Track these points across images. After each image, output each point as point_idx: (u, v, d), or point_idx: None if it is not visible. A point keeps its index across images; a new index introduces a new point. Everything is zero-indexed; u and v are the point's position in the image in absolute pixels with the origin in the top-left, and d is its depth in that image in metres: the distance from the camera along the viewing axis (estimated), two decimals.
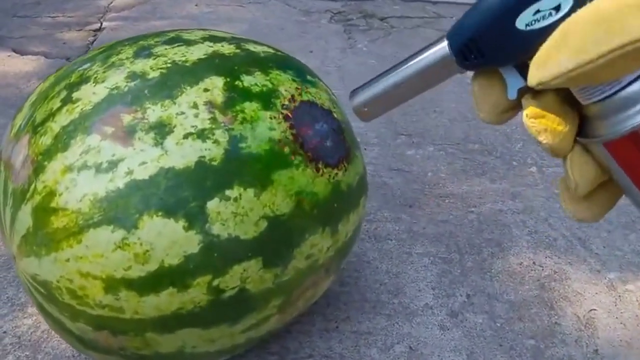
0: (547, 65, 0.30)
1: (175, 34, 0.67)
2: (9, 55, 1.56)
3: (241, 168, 0.56)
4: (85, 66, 0.63)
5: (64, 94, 0.60)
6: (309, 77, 0.68)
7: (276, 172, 0.58)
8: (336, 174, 0.63)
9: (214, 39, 0.67)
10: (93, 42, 1.66)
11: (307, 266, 0.62)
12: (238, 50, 0.65)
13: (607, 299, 0.85)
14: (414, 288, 0.86)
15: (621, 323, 0.81)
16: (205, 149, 0.56)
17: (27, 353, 0.75)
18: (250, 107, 0.59)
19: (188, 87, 0.58)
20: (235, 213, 0.55)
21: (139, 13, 1.87)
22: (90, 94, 0.59)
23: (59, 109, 0.59)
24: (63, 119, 0.58)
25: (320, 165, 0.62)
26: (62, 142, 0.57)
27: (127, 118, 0.56)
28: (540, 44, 0.30)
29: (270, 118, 0.60)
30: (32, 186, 0.57)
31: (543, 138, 0.33)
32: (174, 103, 0.57)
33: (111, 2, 1.95)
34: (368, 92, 0.42)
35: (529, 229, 0.98)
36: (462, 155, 1.16)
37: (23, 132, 0.61)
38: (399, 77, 0.39)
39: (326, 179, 0.62)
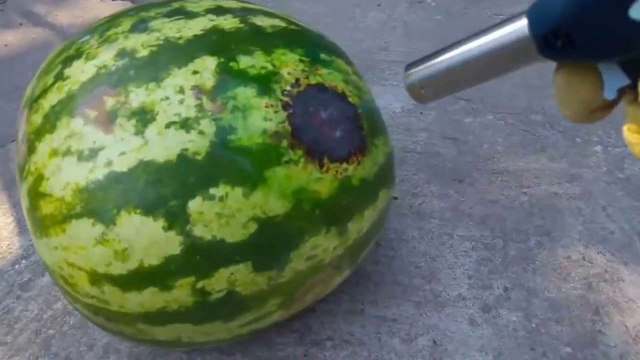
0: None
1: (180, 5, 0.55)
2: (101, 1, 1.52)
3: (229, 164, 0.46)
4: (84, 38, 0.54)
5: (58, 68, 0.52)
6: (322, 56, 0.55)
7: (270, 168, 0.47)
8: (345, 169, 0.51)
9: (219, 10, 0.55)
10: None
11: (309, 267, 0.52)
12: (241, 25, 0.53)
13: None
14: (449, 275, 0.74)
15: None
16: (189, 141, 0.46)
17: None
18: (244, 93, 0.48)
19: (176, 69, 0.48)
20: (220, 214, 0.45)
21: None
22: (79, 72, 0.50)
23: (52, 85, 0.51)
24: (53, 98, 0.50)
25: (325, 161, 0.50)
26: (49, 122, 0.49)
27: (110, 101, 0.47)
28: None
29: (267, 106, 0.48)
30: (27, 166, 0.51)
31: None
32: (159, 87, 0.47)
33: None
34: (427, 69, 0.32)
35: (584, 218, 0.80)
36: (523, 127, 0.98)
37: (25, 106, 0.53)
38: (465, 57, 0.30)
39: (332, 175, 0.50)
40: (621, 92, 0.25)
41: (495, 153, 0.93)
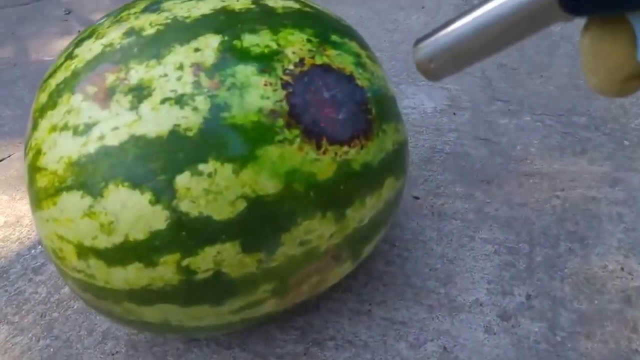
0: None
1: None
2: None
3: (220, 140, 0.47)
4: (101, 21, 0.56)
5: (70, 48, 0.54)
6: (333, 37, 0.55)
7: (262, 147, 0.47)
8: (346, 152, 0.51)
9: None
10: None
11: (303, 253, 0.51)
12: (252, 6, 0.54)
13: None
14: (467, 279, 0.72)
15: None
16: (182, 117, 0.46)
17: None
18: (244, 71, 0.49)
19: (177, 46, 0.49)
20: (208, 190, 0.46)
21: None
22: (86, 51, 0.52)
23: (61, 64, 0.53)
24: (60, 76, 0.52)
25: (323, 142, 0.50)
26: (52, 99, 0.51)
27: (110, 78, 0.49)
28: None
29: (265, 85, 0.49)
30: (29, 142, 0.53)
31: None
32: (159, 64, 0.48)
33: None
34: (436, 42, 0.30)
35: (625, 225, 0.77)
36: (562, 129, 0.95)
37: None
38: (478, 22, 0.27)
39: (330, 157, 0.50)
40: None
41: (528, 155, 0.90)
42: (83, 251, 0.48)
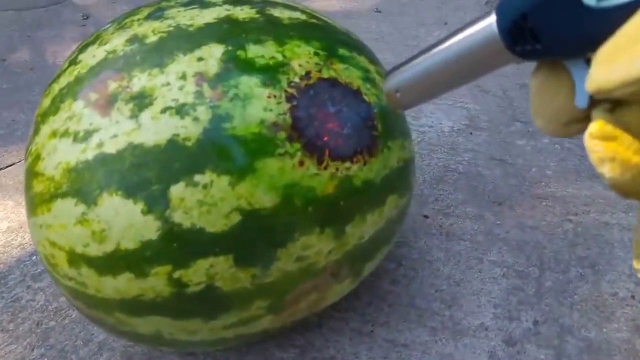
0: (613, 64, 0.19)
1: None
2: None
3: (219, 152, 0.47)
4: (106, 26, 0.57)
5: (75, 54, 0.55)
6: (341, 51, 0.55)
7: (262, 160, 0.47)
8: (348, 168, 0.51)
9: (237, 1, 0.56)
10: None
11: (300, 269, 0.51)
12: (257, 16, 0.54)
13: None
14: (473, 302, 0.71)
15: None
16: (181, 127, 0.47)
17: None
18: (248, 82, 0.49)
19: (181, 55, 0.50)
20: (202, 202, 0.46)
21: None
22: (90, 57, 0.53)
23: (65, 70, 0.54)
24: (63, 81, 0.53)
25: (325, 157, 0.49)
26: (55, 105, 0.52)
27: (112, 85, 0.49)
28: (619, 27, 0.20)
29: (269, 97, 0.49)
30: (30, 147, 0.53)
31: (607, 170, 0.22)
32: (162, 72, 0.49)
33: None
34: (402, 74, 0.34)
35: None
36: (580, 152, 0.94)
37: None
38: (437, 59, 0.30)
39: (331, 172, 0.50)
40: (593, 101, 0.24)
41: (543, 177, 0.89)
42: (74, 258, 0.49)
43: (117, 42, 0.52)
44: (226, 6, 0.55)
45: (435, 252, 0.78)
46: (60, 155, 0.49)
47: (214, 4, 0.55)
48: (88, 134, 0.48)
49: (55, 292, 0.78)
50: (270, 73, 0.50)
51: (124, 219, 0.46)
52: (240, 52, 0.50)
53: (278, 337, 0.68)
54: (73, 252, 0.48)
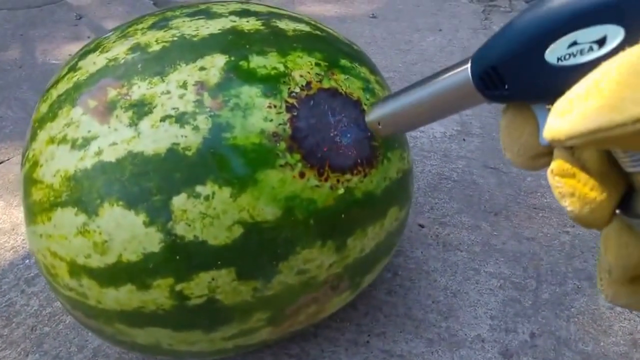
0: (566, 117, 0.21)
1: (206, 6, 0.57)
2: None
3: (220, 162, 0.46)
4: (108, 34, 0.56)
5: (74, 60, 0.55)
6: (342, 62, 0.55)
7: (263, 171, 0.47)
8: (348, 179, 0.51)
9: (243, 13, 0.56)
10: None
11: (301, 282, 0.51)
12: (262, 27, 0.54)
13: None
14: (469, 313, 0.71)
15: None
16: (181, 136, 0.46)
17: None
18: (249, 92, 0.49)
19: (183, 64, 0.49)
20: (205, 214, 0.46)
21: None
22: (90, 64, 0.52)
23: (64, 76, 0.53)
24: (61, 87, 0.52)
25: (325, 168, 0.49)
26: (53, 111, 0.51)
27: (112, 93, 0.49)
28: (576, 84, 0.22)
29: (269, 107, 0.48)
30: (27, 152, 0.53)
31: (568, 204, 0.25)
32: (163, 81, 0.48)
33: None
34: (383, 108, 0.38)
35: None
36: None
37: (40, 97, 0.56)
38: (416, 97, 0.34)
39: (332, 184, 0.50)
40: None
41: (539, 187, 0.90)
42: (75, 269, 0.48)
43: (119, 50, 0.52)
44: (232, 17, 0.55)
45: (432, 263, 0.78)
46: (58, 163, 0.48)
47: (220, 15, 0.55)
48: (86, 141, 0.47)
49: (50, 297, 0.77)
50: (272, 83, 0.50)
51: (126, 231, 0.46)
52: (242, 63, 0.50)
53: (274, 346, 0.68)
54: (74, 263, 0.48)
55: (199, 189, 0.46)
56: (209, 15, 0.55)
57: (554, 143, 0.22)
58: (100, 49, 0.53)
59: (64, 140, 0.49)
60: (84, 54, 0.55)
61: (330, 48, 0.56)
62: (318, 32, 0.58)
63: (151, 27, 0.54)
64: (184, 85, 0.48)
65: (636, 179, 0.24)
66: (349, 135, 0.51)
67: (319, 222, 0.49)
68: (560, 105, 0.22)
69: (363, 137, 0.52)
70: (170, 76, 0.49)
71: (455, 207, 0.87)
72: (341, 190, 0.50)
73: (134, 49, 0.51)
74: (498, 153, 0.98)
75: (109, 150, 0.46)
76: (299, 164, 0.48)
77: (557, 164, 0.25)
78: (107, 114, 0.48)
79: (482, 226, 0.83)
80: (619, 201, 0.25)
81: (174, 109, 0.47)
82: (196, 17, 0.55)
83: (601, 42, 0.22)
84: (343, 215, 0.51)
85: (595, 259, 0.76)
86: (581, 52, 0.23)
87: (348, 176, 0.51)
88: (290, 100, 0.49)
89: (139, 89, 0.48)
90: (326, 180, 0.49)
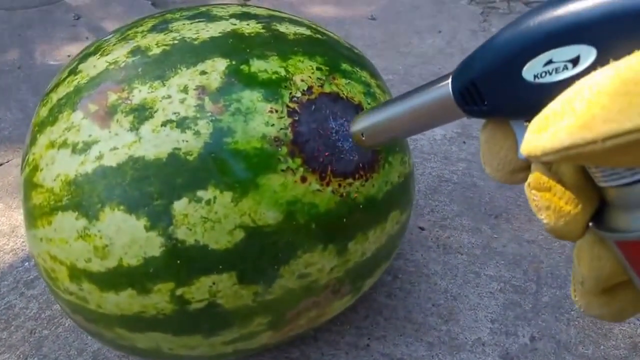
0: (542, 134, 0.22)
1: (206, 9, 0.57)
2: None
3: (221, 167, 0.46)
4: (108, 37, 0.56)
5: (75, 63, 0.55)
6: (343, 66, 0.55)
7: (264, 175, 0.47)
8: (350, 184, 0.51)
9: (243, 16, 0.56)
10: None
11: (302, 287, 0.51)
12: (262, 31, 0.54)
13: None
14: (470, 317, 0.71)
15: None
16: (182, 140, 0.46)
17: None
18: (250, 96, 0.49)
19: (184, 68, 0.49)
20: (206, 218, 0.46)
21: None
22: (91, 67, 0.52)
23: (64, 79, 0.53)
24: (61, 91, 0.52)
25: (327, 173, 0.49)
26: (53, 115, 0.51)
27: (112, 97, 0.49)
28: (552, 101, 0.23)
29: (271, 111, 0.48)
30: (27, 156, 0.53)
31: (544, 216, 0.25)
32: (164, 85, 0.48)
33: None
34: (367, 120, 0.38)
35: None
36: None
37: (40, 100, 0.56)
38: (398, 110, 0.35)
39: (333, 189, 0.50)
40: None
41: None
42: (76, 273, 0.48)
43: (119, 53, 0.52)
44: (233, 20, 0.55)
45: (432, 266, 0.78)
46: (58, 167, 0.48)
47: (221, 18, 0.55)
48: (87, 146, 0.47)
49: (49, 300, 0.77)
50: (273, 88, 0.50)
51: (126, 235, 0.45)
52: (243, 67, 0.50)
53: (273, 349, 0.68)
54: (74, 267, 0.48)
55: (200, 193, 0.46)
56: (209, 18, 0.55)
57: (531, 158, 0.23)
58: (100, 52, 0.53)
59: (64, 144, 0.49)
60: (84, 56, 0.55)
61: (331, 52, 0.56)
62: (319, 36, 0.58)
63: (151, 29, 0.54)
64: (185, 90, 0.48)
65: (608, 194, 0.25)
66: (350, 139, 0.51)
67: (321, 227, 0.49)
68: (537, 122, 0.23)
69: None
70: (171, 80, 0.49)
71: (455, 210, 0.87)
72: (343, 195, 0.50)
73: (134, 52, 0.51)
74: None
75: (110, 154, 0.46)
76: (301, 169, 0.48)
77: (534, 177, 0.25)
78: (108, 118, 0.48)
79: (482, 229, 0.83)
80: (592, 215, 0.26)
81: (175, 113, 0.47)
82: (196, 20, 0.55)
83: (575, 61, 0.23)
84: (344, 220, 0.51)
85: None
86: (556, 71, 0.24)
87: (350, 180, 0.51)
88: (292, 105, 0.50)
89: (140, 93, 0.48)
90: (328, 184, 0.49)
